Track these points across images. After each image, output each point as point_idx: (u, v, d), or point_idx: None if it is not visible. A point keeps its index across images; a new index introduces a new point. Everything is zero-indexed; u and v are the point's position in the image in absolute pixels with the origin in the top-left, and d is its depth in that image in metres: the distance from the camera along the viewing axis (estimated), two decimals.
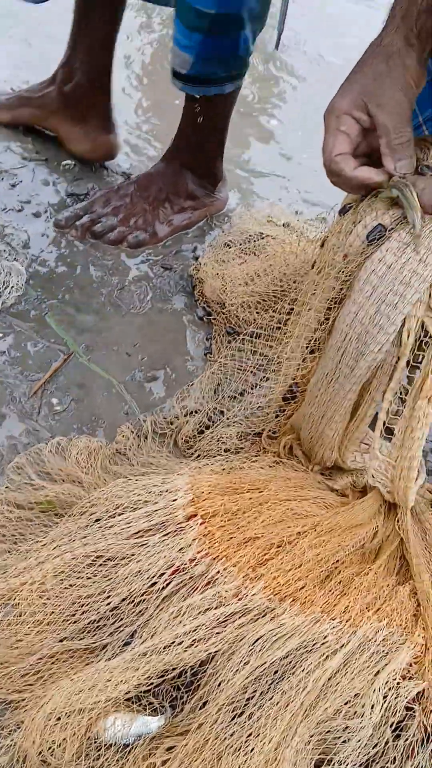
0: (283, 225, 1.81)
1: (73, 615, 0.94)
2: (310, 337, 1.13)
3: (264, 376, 1.34)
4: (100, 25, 1.74)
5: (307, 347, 1.15)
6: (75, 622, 0.94)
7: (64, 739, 0.83)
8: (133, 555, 0.97)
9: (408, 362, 1.02)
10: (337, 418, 1.10)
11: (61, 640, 0.94)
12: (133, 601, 0.94)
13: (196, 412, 1.36)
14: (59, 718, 0.84)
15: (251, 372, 1.38)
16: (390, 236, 0.99)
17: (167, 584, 0.94)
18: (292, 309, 1.24)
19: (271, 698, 0.85)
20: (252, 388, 1.35)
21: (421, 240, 0.96)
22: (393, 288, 0.98)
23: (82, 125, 1.86)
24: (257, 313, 1.50)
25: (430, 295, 0.98)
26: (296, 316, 1.18)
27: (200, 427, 1.32)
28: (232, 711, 0.85)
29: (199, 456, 1.27)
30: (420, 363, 1.01)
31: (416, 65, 0.95)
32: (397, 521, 1.09)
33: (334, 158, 0.97)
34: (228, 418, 1.31)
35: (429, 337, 0.99)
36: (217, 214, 1.86)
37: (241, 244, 1.72)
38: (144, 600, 0.94)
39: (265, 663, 0.87)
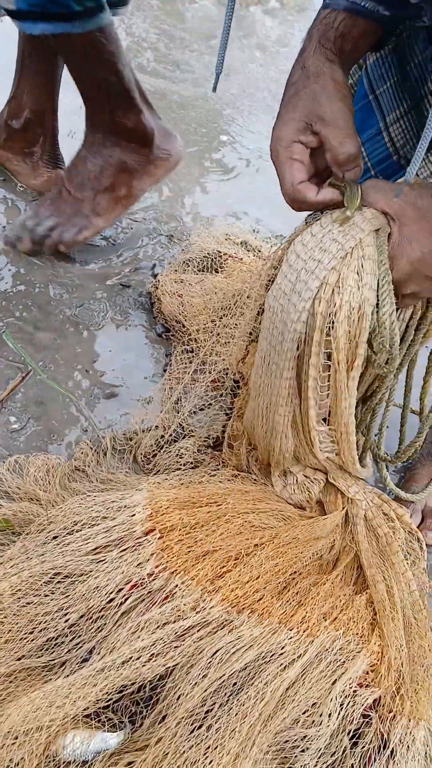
0: (241, 243, 1.84)
1: (31, 633, 0.93)
2: (251, 326, 1.15)
3: (221, 393, 1.35)
4: (42, 66, 1.72)
5: (249, 335, 1.17)
6: (33, 640, 0.93)
7: (22, 757, 0.83)
8: (91, 571, 0.97)
9: (322, 334, 0.99)
10: (282, 402, 1.08)
11: (19, 659, 0.93)
12: (91, 617, 0.94)
13: (155, 427, 1.37)
14: (17, 737, 0.83)
15: (207, 386, 1.39)
16: (322, 215, 1.01)
17: (125, 599, 0.94)
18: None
19: (230, 710, 0.86)
20: (209, 404, 1.36)
21: (350, 217, 0.98)
22: (313, 255, 0.98)
23: (30, 159, 1.86)
24: (214, 328, 1.52)
25: (344, 264, 0.97)
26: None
27: (159, 442, 1.33)
28: (192, 724, 0.85)
29: (158, 471, 1.28)
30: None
31: (343, 78, 0.97)
32: (351, 531, 1.11)
33: (296, 188, 0.98)
34: (186, 433, 1.32)
35: (337, 307, 0.97)
36: (172, 170, 1.71)
37: (199, 262, 1.74)
38: (102, 616, 0.94)
39: (223, 675, 0.87)
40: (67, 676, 0.90)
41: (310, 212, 1.03)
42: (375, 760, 0.86)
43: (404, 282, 0.98)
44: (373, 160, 1.14)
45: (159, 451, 1.32)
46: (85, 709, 0.85)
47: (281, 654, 0.90)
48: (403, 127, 1.09)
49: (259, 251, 1.82)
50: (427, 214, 0.95)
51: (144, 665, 0.87)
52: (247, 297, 1.20)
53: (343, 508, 1.18)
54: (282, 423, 1.10)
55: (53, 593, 0.96)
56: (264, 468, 1.22)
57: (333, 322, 0.97)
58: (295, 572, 1.02)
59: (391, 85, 1.08)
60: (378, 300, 0.97)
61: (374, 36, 0.99)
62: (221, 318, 1.52)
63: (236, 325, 1.46)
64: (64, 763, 0.84)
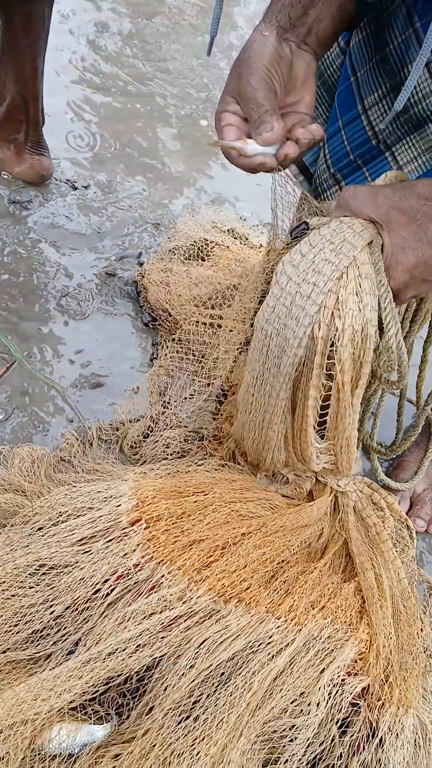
0: (228, 231, 1.82)
1: (16, 625, 0.92)
2: (240, 337, 1.12)
3: (206, 382, 1.34)
4: (23, 54, 1.71)
5: (238, 348, 1.13)
6: (17, 632, 0.92)
7: (7, 751, 0.81)
8: (76, 562, 0.96)
9: (323, 357, 0.97)
10: (276, 420, 1.06)
11: (3, 652, 0.92)
12: (76, 609, 0.93)
13: (141, 417, 1.36)
14: (1, 731, 0.82)
15: (194, 377, 1.38)
16: (310, 232, 0.99)
17: (111, 590, 0.93)
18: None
19: (218, 700, 0.85)
20: (195, 393, 1.35)
21: (335, 231, 0.95)
22: (306, 277, 0.94)
23: (14, 147, 1.85)
24: (200, 317, 1.50)
25: (340, 286, 0.94)
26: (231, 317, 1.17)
27: (146, 432, 1.32)
28: (179, 715, 0.84)
29: (145, 461, 1.26)
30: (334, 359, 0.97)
31: (271, 49, 0.94)
32: (340, 520, 1.10)
33: (220, 123, 0.96)
34: (173, 423, 1.31)
35: (339, 331, 0.94)
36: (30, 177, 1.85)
37: (185, 251, 1.72)
38: (88, 607, 0.93)
39: (211, 665, 0.86)
40: (53, 668, 0.89)
41: (295, 227, 1.00)
42: (364, 748, 0.85)
43: (403, 289, 0.96)
44: (352, 144, 1.12)
45: (145, 441, 1.31)
46: (70, 702, 0.84)
47: (269, 643, 0.89)
48: (382, 110, 1.06)
49: (246, 239, 1.80)
50: (415, 215, 0.92)
51: (130, 656, 0.86)
52: (238, 301, 1.17)
53: (332, 492, 1.17)
54: (275, 438, 1.08)
55: (38, 585, 0.94)
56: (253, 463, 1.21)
57: (336, 346, 0.94)
58: (282, 561, 1.01)
59: (371, 67, 1.06)
60: (382, 322, 0.94)
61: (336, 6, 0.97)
62: (207, 308, 1.51)
63: (221, 317, 1.44)
64: (50, 756, 0.83)
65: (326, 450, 1.09)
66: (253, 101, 0.93)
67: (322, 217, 1.00)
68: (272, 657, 0.88)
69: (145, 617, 0.89)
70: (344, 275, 0.93)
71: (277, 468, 1.14)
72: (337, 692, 0.87)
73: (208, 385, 1.34)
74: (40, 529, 1.01)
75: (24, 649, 0.92)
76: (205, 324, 1.48)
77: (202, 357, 1.43)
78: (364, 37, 1.06)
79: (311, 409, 1.01)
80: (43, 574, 0.95)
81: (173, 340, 1.53)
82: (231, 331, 1.10)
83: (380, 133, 1.07)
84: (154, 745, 0.82)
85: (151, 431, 1.31)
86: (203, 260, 1.71)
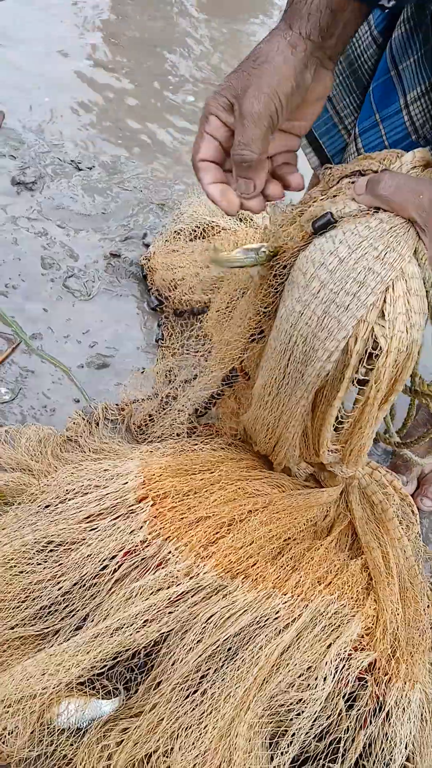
0: None
1: (24, 601, 0.93)
2: (248, 325, 1.06)
3: (212, 369, 1.33)
4: None
5: (248, 336, 1.07)
6: (26, 608, 0.93)
7: (16, 726, 0.82)
8: (83, 539, 0.96)
9: (356, 371, 0.90)
10: (294, 422, 1.01)
11: (12, 628, 0.92)
12: (84, 585, 0.93)
13: (148, 398, 1.36)
14: (11, 706, 0.82)
15: (200, 357, 1.37)
16: (341, 225, 0.88)
17: (119, 567, 0.93)
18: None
19: (225, 675, 0.85)
20: (201, 373, 1.35)
21: (377, 234, 0.85)
22: (344, 287, 0.85)
23: None
24: (206, 299, 1.50)
25: (385, 300, 0.84)
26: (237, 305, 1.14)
27: (152, 412, 1.32)
28: (186, 689, 0.85)
29: (151, 441, 1.26)
30: (367, 376, 0.90)
31: (292, 73, 0.86)
32: (345, 499, 1.10)
33: (197, 164, 0.90)
34: (179, 403, 1.31)
35: (379, 350, 0.86)
36: None
37: (191, 233, 1.71)
38: (96, 584, 0.93)
39: (218, 640, 0.86)
40: (61, 644, 0.90)
41: (318, 218, 0.91)
42: (371, 722, 0.86)
43: None
44: (392, 140, 1.07)
45: (151, 421, 1.31)
46: (79, 677, 0.85)
47: (276, 618, 0.89)
48: (424, 105, 1.01)
49: (251, 220, 1.79)
50: None
51: (138, 631, 0.86)
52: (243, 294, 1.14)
53: (345, 483, 1.16)
54: (291, 438, 1.04)
55: (46, 562, 0.95)
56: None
57: (377, 366, 0.87)
58: (289, 538, 1.01)
59: (415, 61, 1.00)
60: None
61: (363, 10, 0.89)
62: (213, 291, 1.50)
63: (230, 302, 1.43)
64: (58, 730, 0.84)
65: (337, 450, 1.05)
66: (248, 132, 0.86)
67: (347, 200, 0.90)
68: (279, 632, 0.88)
69: (152, 593, 0.89)
70: (390, 289, 0.84)
71: (290, 462, 1.13)
72: (343, 667, 0.87)
73: (214, 371, 1.34)
74: (47, 506, 1.01)
75: (32, 625, 0.92)
76: (208, 307, 1.48)
77: (206, 338, 1.43)
78: (407, 30, 1.00)
79: (333, 417, 0.97)
80: (51, 551, 0.96)
81: (176, 315, 1.52)
82: (242, 318, 1.08)
83: (420, 128, 1.03)
84: (162, 719, 0.83)
85: (157, 411, 1.30)
86: (209, 241, 1.70)
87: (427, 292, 0.86)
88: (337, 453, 1.06)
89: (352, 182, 0.92)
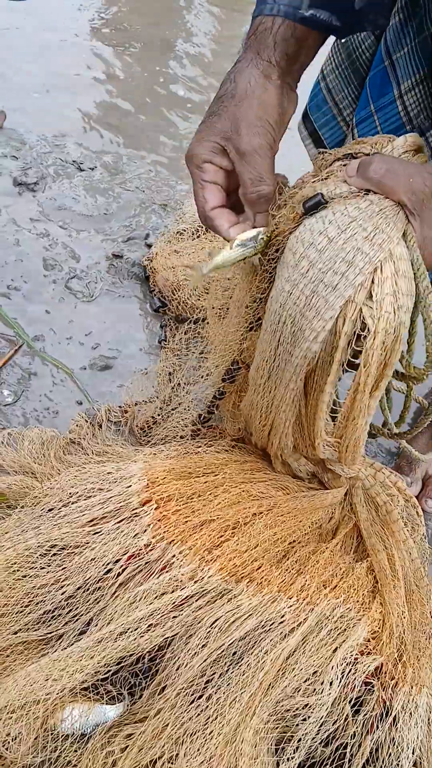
0: None
1: (27, 606, 0.92)
2: (245, 314, 1.05)
3: (215, 364, 1.32)
4: None
5: (246, 325, 1.07)
6: (29, 613, 0.92)
7: (20, 732, 0.81)
8: (87, 543, 0.95)
9: (345, 353, 0.90)
10: (285, 407, 1.01)
11: (15, 632, 0.92)
12: (88, 589, 0.92)
13: (150, 399, 1.35)
14: (14, 711, 0.82)
15: (203, 358, 1.37)
16: (332, 206, 0.88)
17: (122, 570, 0.92)
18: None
19: (230, 680, 0.84)
20: (203, 376, 1.34)
21: (366, 215, 0.85)
22: (333, 266, 0.85)
23: None
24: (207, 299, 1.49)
25: (373, 280, 0.85)
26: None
27: (155, 414, 1.31)
28: (191, 695, 0.84)
29: (154, 443, 1.26)
30: (357, 359, 0.89)
31: (275, 100, 0.88)
32: (350, 501, 1.09)
33: (209, 214, 0.91)
34: (182, 405, 1.30)
35: (366, 331, 0.86)
36: None
37: (193, 233, 1.70)
38: (99, 588, 0.92)
39: (223, 645, 0.86)
40: (65, 648, 0.89)
41: (309, 198, 0.91)
42: (377, 727, 0.85)
43: None
44: (386, 129, 1.07)
45: (155, 423, 1.30)
46: (83, 682, 0.84)
47: (281, 622, 0.88)
48: (418, 95, 1.02)
49: None
50: None
51: (142, 636, 0.86)
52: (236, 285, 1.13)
53: (349, 485, 1.15)
54: (283, 425, 1.04)
55: (49, 566, 0.94)
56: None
57: (365, 348, 0.87)
58: (294, 541, 1.01)
59: (408, 51, 1.01)
60: (426, 331, 0.89)
61: (322, 38, 0.93)
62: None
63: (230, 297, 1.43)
64: (62, 736, 0.83)
65: (332, 444, 1.05)
66: (258, 167, 0.87)
67: (338, 182, 0.90)
68: (284, 636, 0.87)
69: (156, 597, 0.88)
70: (378, 270, 0.84)
71: (286, 454, 1.12)
72: (350, 671, 0.86)
73: (217, 366, 1.33)
74: (50, 510, 1.01)
75: (36, 630, 0.92)
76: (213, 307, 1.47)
77: (213, 342, 1.42)
78: (401, 20, 1.01)
79: (324, 404, 0.97)
80: (54, 554, 0.95)
81: (178, 320, 1.51)
82: (241, 308, 1.07)
83: (415, 118, 1.03)
84: (167, 725, 0.82)
85: (160, 413, 1.30)
86: (210, 242, 1.70)
87: (414, 274, 0.86)
88: (334, 448, 1.05)
89: (344, 165, 0.92)
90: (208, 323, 1.40)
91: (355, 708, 0.86)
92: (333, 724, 0.84)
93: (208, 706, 0.83)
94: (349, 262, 0.84)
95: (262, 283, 1.00)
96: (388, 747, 0.84)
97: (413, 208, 0.84)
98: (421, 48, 0.99)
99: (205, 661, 0.85)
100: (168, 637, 0.87)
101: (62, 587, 0.93)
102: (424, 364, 0.93)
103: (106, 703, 0.86)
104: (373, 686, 0.87)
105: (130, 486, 1.01)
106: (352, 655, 0.88)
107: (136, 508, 0.98)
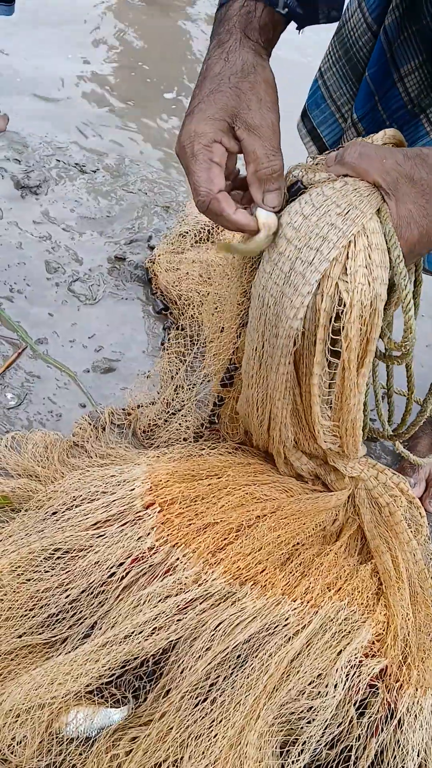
0: None
1: (32, 609, 0.92)
2: (238, 310, 1.04)
3: (211, 363, 1.32)
4: None
5: (239, 320, 1.05)
6: (33, 616, 0.92)
7: (25, 735, 0.82)
8: (91, 546, 0.95)
9: (326, 331, 0.89)
10: (278, 395, 1.00)
11: (19, 636, 0.92)
12: (92, 592, 0.92)
13: (153, 402, 1.35)
14: (19, 715, 0.82)
15: (203, 359, 1.37)
16: (310, 190, 0.90)
17: (126, 574, 0.92)
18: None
19: (234, 683, 0.84)
20: (201, 381, 1.34)
21: (340, 193, 0.87)
22: (308, 242, 0.86)
23: None
24: (211, 302, 1.49)
25: (347, 255, 0.86)
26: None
27: (158, 416, 1.31)
28: (196, 698, 0.84)
29: (158, 446, 1.26)
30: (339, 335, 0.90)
31: (274, 79, 0.88)
32: (353, 503, 1.09)
33: (215, 197, 0.86)
34: (185, 407, 1.30)
35: (348, 306, 0.87)
36: None
37: (195, 235, 1.70)
38: (103, 591, 0.92)
39: (227, 648, 0.86)
40: (69, 652, 0.89)
41: (291, 184, 0.92)
42: (382, 729, 0.85)
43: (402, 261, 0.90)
44: (388, 111, 1.07)
45: (158, 426, 1.30)
46: (87, 685, 0.84)
47: (285, 625, 0.88)
48: (418, 78, 1.03)
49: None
50: (425, 188, 0.85)
51: (146, 639, 0.86)
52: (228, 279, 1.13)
53: (352, 486, 1.15)
54: (280, 414, 1.03)
55: (53, 569, 0.94)
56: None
57: (343, 323, 0.88)
58: (298, 543, 1.00)
59: (406, 37, 1.02)
60: (402, 304, 0.89)
61: (286, 26, 0.94)
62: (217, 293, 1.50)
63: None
64: (67, 740, 0.83)
65: (331, 430, 1.04)
66: (271, 141, 0.86)
67: (319, 171, 0.92)
68: (289, 639, 0.87)
69: (160, 600, 0.89)
70: (352, 244, 0.86)
71: (288, 450, 1.12)
72: (354, 674, 0.86)
73: (215, 374, 1.33)
74: (54, 513, 1.01)
75: (40, 633, 0.92)
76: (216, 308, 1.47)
77: (210, 342, 1.42)
78: (399, 15, 1.02)
79: (316, 387, 0.97)
80: (58, 558, 0.95)
81: (178, 329, 1.51)
82: (235, 305, 1.05)
83: (415, 98, 1.04)
84: (172, 728, 0.82)
85: (163, 415, 1.30)
86: (213, 244, 1.70)
87: (388, 247, 0.87)
88: (334, 434, 1.04)
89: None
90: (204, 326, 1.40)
91: (360, 710, 0.86)
92: (338, 727, 0.84)
93: (212, 710, 0.83)
94: (324, 237, 0.86)
95: (252, 274, 0.99)
96: (393, 749, 0.84)
97: (388, 188, 0.86)
98: (419, 34, 1.00)
99: (209, 664, 0.85)
100: (172, 641, 0.87)
101: (66, 591, 0.93)
102: (402, 337, 0.93)
103: (111, 707, 0.86)
104: (377, 689, 0.87)
105: (134, 489, 1.01)
106: (356, 658, 0.88)
107: (139, 511, 0.98)
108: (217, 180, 0.87)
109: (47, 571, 0.94)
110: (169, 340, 1.50)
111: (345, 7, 1.13)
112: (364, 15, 1.09)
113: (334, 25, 1.13)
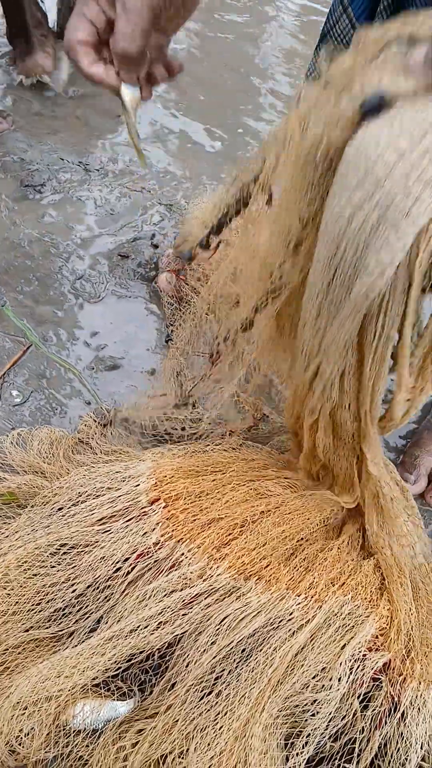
0: None
1: (38, 604, 0.93)
2: (289, 232, 0.87)
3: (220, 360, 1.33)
4: None
5: (287, 244, 0.88)
6: (40, 611, 0.93)
7: (32, 727, 0.83)
8: (96, 542, 0.96)
9: (424, 289, 0.77)
10: (334, 352, 0.87)
11: (26, 630, 0.93)
12: (98, 587, 0.93)
13: (159, 397, 1.36)
14: (26, 708, 0.83)
15: (209, 357, 1.37)
16: (397, 110, 0.70)
17: (132, 569, 0.93)
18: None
19: (239, 676, 0.85)
20: (210, 374, 1.35)
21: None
22: (406, 187, 0.69)
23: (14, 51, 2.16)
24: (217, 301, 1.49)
25: None
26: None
27: (162, 413, 1.32)
28: (201, 691, 0.85)
29: (163, 442, 1.27)
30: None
31: None
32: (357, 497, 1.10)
33: (75, 44, 0.87)
34: (190, 403, 1.31)
35: None
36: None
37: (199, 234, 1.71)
38: (109, 586, 0.93)
39: (232, 642, 0.87)
40: (76, 645, 0.90)
41: (369, 97, 0.71)
42: (386, 722, 0.86)
43: None
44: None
45: (162, 422, 1.31)
46: (94, 679, 0.85)
47: (289, 620, 0.89)
48: None
49: None
50: None
51: (152, 633, 0.87)
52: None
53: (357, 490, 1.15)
54: (328, 371, 0.90)
55: (59, 564, 0.95)
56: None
57: None
58: (302, 539, 1.01)
59: None
60: None
61: None
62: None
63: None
64: (74, 732, 0.84)
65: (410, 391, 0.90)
66: (129, 25, 0.82)
67: (396, 76, 0.72)
68: (293, 633, 0.88)
69: (165, 595, 0.89)
70: None
71: (323, 412, 0.97)
72: (358, 667, 0.87)
73: (214, 363, 1.33)
74: (60, 509, 1.02)
75: (47, 627, 0.93)
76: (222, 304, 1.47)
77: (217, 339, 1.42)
78: (386, 20, 1.01)
79: (389, 350, 0.83)
80: (65, 553, 0.96)
81: (189, 321, 1.52)
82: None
83: None
84: (177, 720, 0.83)
85: (168, 412, 1.31)
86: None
87: None
88: (410, 400, 0.92)
89: (402, 53, 0.73)
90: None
91: (364, 704, 0.87)
92: (342, 720, 0.85)
93: (217, 702, 0.84)
94: (427, 182, 0.68)
95: (311, 203, 0.83)
96: (397, 742, 0.85)
97: None
98: None
99: (214, 658, 0.86)
100: (177, 635, 0.88)
101: (73, 585, 0.94)
102: None
103: (117, 700, 0.87)
104: (381, 682, 0.88)
105: (139, 485, 1.02)
106: (360, 652, 0.88)
107: (144, 507, 0.99)
108: (81, 31, 0.87)
109: (53, 566, 0.95)
110: (173, 336, 1.51)
111: (329, 11, 1.12)
112: (351, 20, 1.08)
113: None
